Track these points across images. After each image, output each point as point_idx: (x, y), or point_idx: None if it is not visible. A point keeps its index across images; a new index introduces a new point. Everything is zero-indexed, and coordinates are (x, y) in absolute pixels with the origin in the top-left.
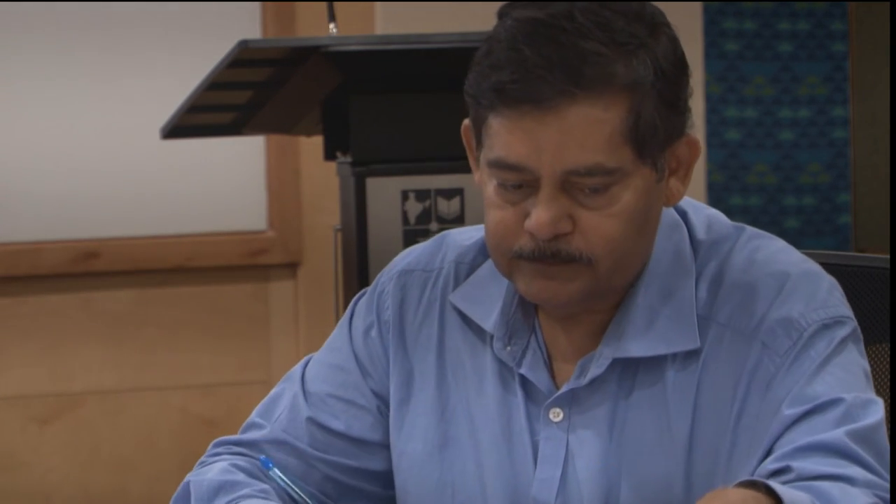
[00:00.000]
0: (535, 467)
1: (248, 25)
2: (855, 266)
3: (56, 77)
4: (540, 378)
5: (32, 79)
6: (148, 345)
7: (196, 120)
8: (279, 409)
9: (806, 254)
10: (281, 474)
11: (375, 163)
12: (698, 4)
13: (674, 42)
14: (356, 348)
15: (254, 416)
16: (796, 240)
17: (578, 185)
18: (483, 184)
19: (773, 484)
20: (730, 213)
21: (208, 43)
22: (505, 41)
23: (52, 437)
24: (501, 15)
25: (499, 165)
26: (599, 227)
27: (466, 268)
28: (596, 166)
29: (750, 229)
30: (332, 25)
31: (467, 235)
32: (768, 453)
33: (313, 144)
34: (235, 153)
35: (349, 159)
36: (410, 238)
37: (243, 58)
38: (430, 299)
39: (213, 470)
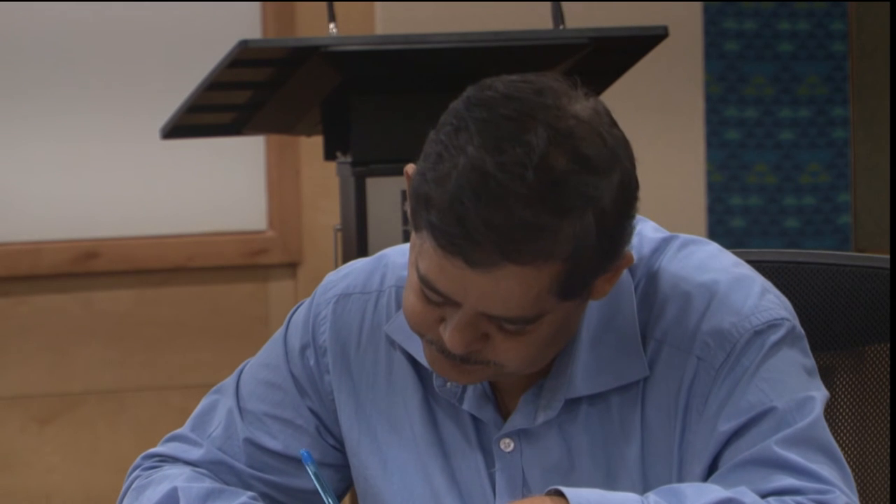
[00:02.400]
0: (494, 499)
1: (248, 25)
2: (855, 266)
3: (55, 77)
4: (484, 413)
5: (32, 79)
6: (148, 345)
7: (196, 120)
8: (213, 423)
9: (806, 254)
10: (316, 472)
11: (375, 163)
12: (698, 4)
13: (626, 177)
14: (293, 366)
15: (186, 430)
16: (796, 240)
17: (496, 320)
18: (410, 262)
19: (564, 489)
20: (730, 213)
21: (208, 43)
22: (453, 183)
23: (52, 437)
24: (462, 110)
25: (424, 283)
26: (512, 348)
27: None
28: (517, 318)
29: (681, 238)
30: (332, 25)
31: (407, 259)
32: (710, 471)
33: (313, 144)
34: (235, 153)
35: (349, 159)
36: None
37: (243, 58)
38: (374, 323)
39: (182, 476)
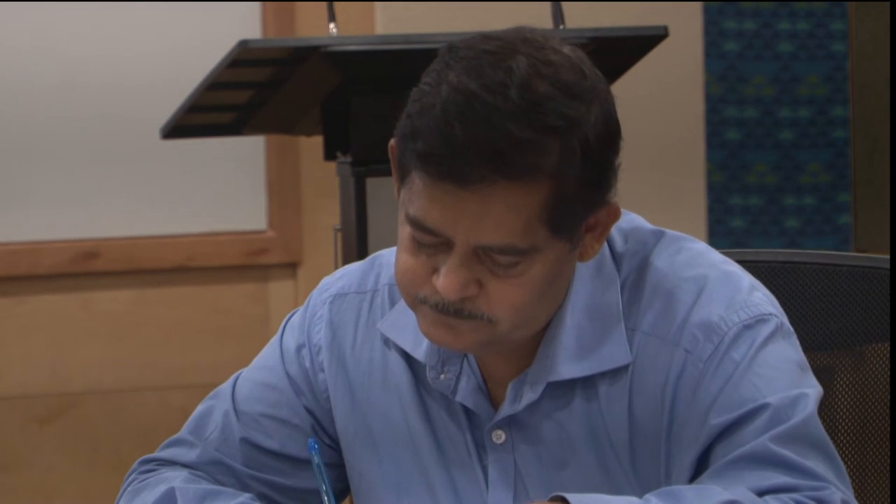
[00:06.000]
0: (488, 491)
1: (248, 25)
2: (855, 266)
3: (54, 76)
4: (477, 404)
5: (31, 78)
6: (148, 345)
7: (196, 120)
8: (210, 426)
9: (803, 254)
10: (319, 462)
11: (375, 163)
12: (698, 4)
13: (607, 111)
14: (288, 366)
15: (183, 433)
16: (796, 240)
17: (490, 257)
18: (399, 221)
19: (567, 494)
20: (730, 212)
21: (208, 43)
22: (438, 108)
23: (52, 437)
24: (445, 56)
25: (415, 224)
26: (505, 294)
27: None
28: (509, 247)
29: (669, 234)
30: (332, 25)
31: None
32: (700, 463)
33: (313, 144)
34: (235, 153)
35: (349, 159)
36: None
37: (243, 58)
38: (370, 321)
39: (179, 478)
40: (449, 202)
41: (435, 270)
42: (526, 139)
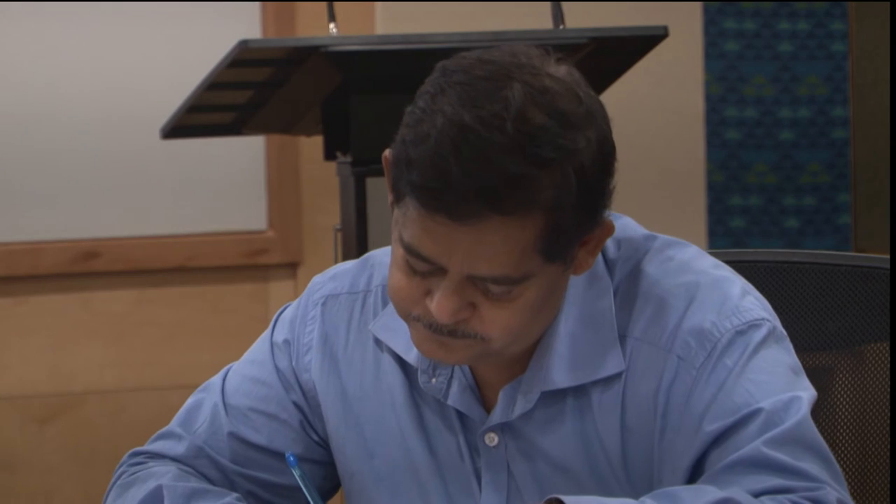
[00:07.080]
0: (480, 494)
1: (248, 25)
2: (855, 266)
3: (55, 77)
4: (470, 407)
5: (32, 77)
6: (148, 345)
7: (196, 120)
8: (199, 420)
9: (802, 254)
10: (302, 474)
11: (375, 163)
12: (698, 4)
13: (602, 135)
14: (278, 362)
15: (173, 426)
16: (796, 240)
17: (483, 284)
18: (393, 238)
19: (563, 497)
20: (730, 213)
21: (208, 43)
22: (433, 140)
23: (52, 437)
24: (439, 78)
25: (409, 251)
26: (498, 316)
27: None
28: (503, 277)
29: (661, 238)
30: (332, 25)
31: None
32: (694, 470)
33: (313, 144)
34: (235, 153)
35: (349, 159)
36: None
37: (243, 58)
38: (362, 323)
39: (168, 475)
40: (443, 233)
41: (428, 292)
42: (521, 175)
